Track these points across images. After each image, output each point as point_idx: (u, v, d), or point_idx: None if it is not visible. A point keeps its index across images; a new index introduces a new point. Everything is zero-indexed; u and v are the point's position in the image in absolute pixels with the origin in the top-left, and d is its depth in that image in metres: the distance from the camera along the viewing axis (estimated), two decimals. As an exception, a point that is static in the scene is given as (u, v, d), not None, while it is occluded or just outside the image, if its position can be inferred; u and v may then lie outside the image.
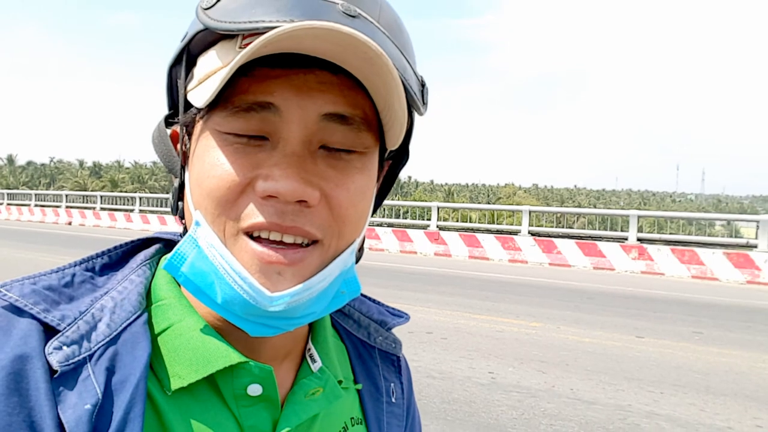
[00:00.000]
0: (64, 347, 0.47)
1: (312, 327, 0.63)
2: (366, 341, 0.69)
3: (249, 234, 0.49)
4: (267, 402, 0.54)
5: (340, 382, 0.61)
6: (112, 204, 25.29)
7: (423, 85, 0.57)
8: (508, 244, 14.93)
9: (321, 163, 0.50)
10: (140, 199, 24.36)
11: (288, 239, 0.49)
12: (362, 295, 0.68)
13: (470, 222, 17.22)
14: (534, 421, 4.22)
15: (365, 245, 0.62)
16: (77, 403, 0.45)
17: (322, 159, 0.50)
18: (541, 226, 16.25)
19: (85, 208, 25.47)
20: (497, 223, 17.19)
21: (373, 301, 0.72)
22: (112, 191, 61.14)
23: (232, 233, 0.49)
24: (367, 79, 0.49)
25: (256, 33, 0.47)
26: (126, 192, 50.15)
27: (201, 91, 0.51)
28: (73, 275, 0.54)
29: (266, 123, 0.49)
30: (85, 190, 64.40)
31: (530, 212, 15.68)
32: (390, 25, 0.53)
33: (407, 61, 0.54)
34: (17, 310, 0.49)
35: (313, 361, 0.60)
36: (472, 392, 4.75)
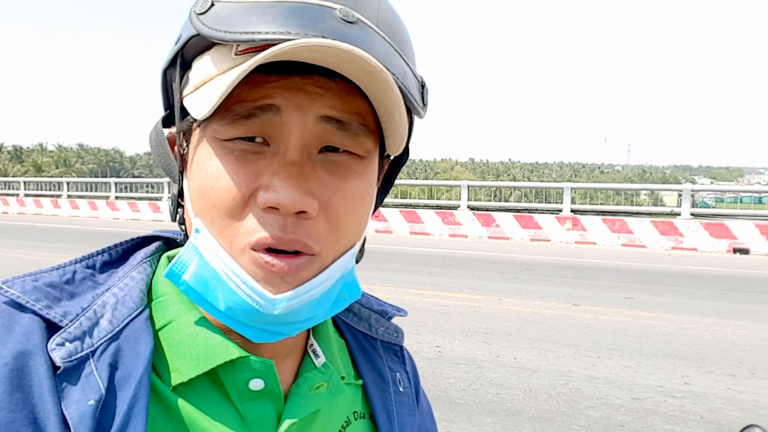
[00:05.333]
0: (67, 343, 0.47)
1: None
2: (367, 333, 0.69)
3: (255, 249, 0.49)
4: (270, 396, 0.54)
5: (342, 378, 0.61)
6: (37, 190, 24.06)
7: (423, 86, 0.56)
8: (448, 219, 15.15)
9: (320, 169, 0.50)
10: (68, 183, 23.28)
11: (288, 250, 0.49)
12: None
13: (409, 198, 17.35)
14: (481, 391, 4.36)
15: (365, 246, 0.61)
16: (80, 399, 0.45)
17: (321, 165, 0.50)
18: (479, 200, 16.55)
19: (8, 195, 24.12)
20: (436, 198, 17.40)
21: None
22: (36, 176, 58.18)
23: (240, 247, 0.49)
24: (366, 88, 0.48)
25: (252, 43, 0.46)
26: (51, 177, 47.71)
27: (198, 99, 0.50)
28: (74, 272, 0.54)
29: (267, 126, 0.48)
30: (6, 176, 61.09)
31: (468, 187, 15.94)
32: (389, 26, 0.52)
33: (407, 64, 0.53)
34: (19, 307, 0.48)
35: (317, 356, 0.60)
36: (420, 366, 4.80)
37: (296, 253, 0.49)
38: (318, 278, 0.50)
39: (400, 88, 0.49)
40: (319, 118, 0.49)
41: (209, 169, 0.49)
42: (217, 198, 0.49)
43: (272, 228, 0.48)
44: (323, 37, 0.45)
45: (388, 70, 0.47)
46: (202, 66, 0.51)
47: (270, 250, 0.49)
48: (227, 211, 0.49)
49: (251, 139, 0.49)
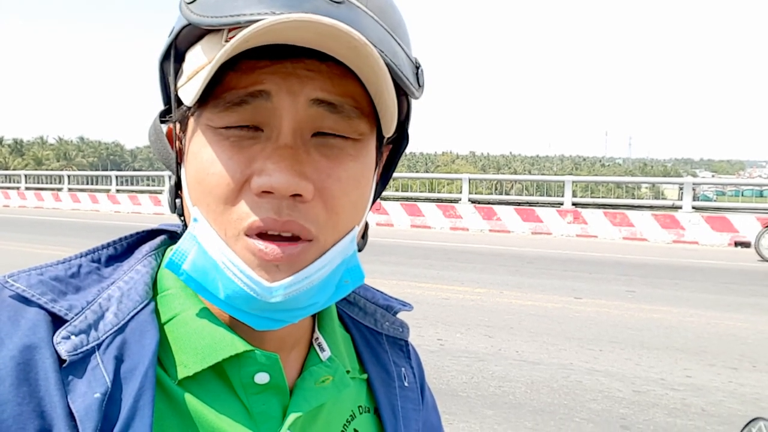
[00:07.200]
0: (72, 336, 0.47)
1: (319, 316, 0.62)
2: (373, 328, 0.68)
3: (248, 234, 0.49)
4: (275, 389, 0.54)
5: (347, 372, 0.61)
6: (38, 183, 24.05)
7: (417, 67, 0.56)
8: (449, 212, 15.15)
9: (314, 152, 0.49)
10: (69, 177, 23.25)
11: (285, 234, 0.49)
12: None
13: (411, 191, 17.33)
14: (483, 384, 4.37)
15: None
16: (87, 392, 0.45)
17: (315, 148, 0.50)
18: (480, 193, 16.54)
19: (8, 188, 24.14)
20: (437, 192, 17.39)
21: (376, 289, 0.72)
22: (37, 169, 58.14)
23: (234, 233, 0.49)
24: (356, 67, 0.48)
25: (239, 26, 0.46)
26: (52, 170, 47.70)
27: (189, 88, 0.50)
28: (80, 266, 0.54)
29: (259, 112, 0.48)
30: (7, 169, 61.14)
31: (470, 180, 15.92)
32: (380, 8, 0.52)
33: (399, 44, 0.53)
34: (25, 300, 0.48)
35: (322, 349, 0.60)
36: (422, 359, 4.81)
37: (292, 239, 0.49)
38: (317, 264, 0.50)
39: (387, 63, 0.49)
40: (310, 101, 0.48)
41: (204, 156, 0.49)
42: (212, 185, 0.49)
43: (266, 211, 0.48)
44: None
45: (375, 46, 0.47)
46: (195, 56, 0.51)
47: (265, 236, 0.48)
48: (222, 198, 0.49)
49: (245, 126, 0.49)
